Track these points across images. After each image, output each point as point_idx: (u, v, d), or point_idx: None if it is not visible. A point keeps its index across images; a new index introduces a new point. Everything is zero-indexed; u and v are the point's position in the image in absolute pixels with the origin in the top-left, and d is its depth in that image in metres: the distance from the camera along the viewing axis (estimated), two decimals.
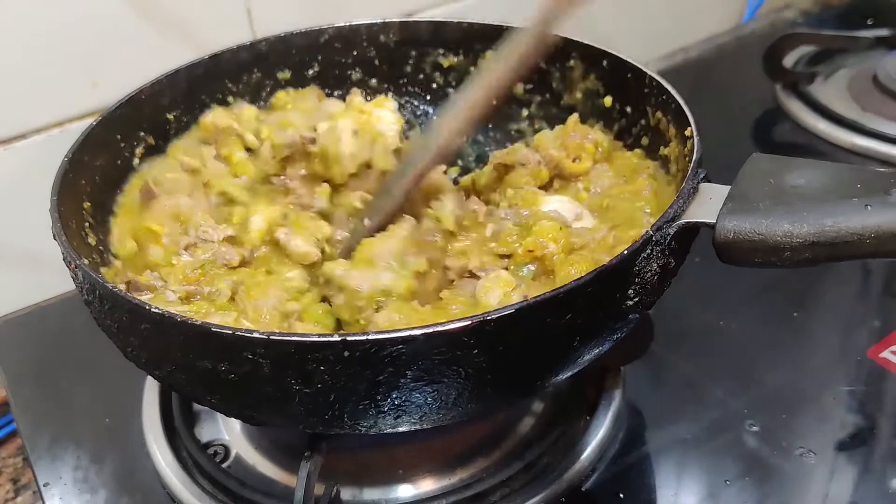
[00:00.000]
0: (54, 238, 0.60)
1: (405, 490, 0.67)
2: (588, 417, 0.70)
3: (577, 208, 0.70)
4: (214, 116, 0.81)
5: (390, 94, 0.90)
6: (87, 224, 0.69)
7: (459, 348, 0.50)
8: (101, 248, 0.70)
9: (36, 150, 0.88)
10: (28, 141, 0.87)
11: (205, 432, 0.74)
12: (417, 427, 0.56)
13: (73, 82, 0.87)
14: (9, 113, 0.85)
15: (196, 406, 0.76)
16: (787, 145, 1.11)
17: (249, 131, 0.80)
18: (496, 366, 0.52)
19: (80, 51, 0.86)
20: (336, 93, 0.89)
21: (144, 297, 0.63)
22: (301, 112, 0.83)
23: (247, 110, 0.82)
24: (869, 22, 1.32)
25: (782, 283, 0.86)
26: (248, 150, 0.80)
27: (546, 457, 0.68)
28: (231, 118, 0.81)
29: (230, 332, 0.49)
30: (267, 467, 0.70)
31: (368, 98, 0.88)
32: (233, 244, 0.70)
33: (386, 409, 0.52)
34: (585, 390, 0.73)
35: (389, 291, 0.62)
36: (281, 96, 0.86)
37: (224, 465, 0.70)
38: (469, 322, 0.49)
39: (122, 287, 0.64)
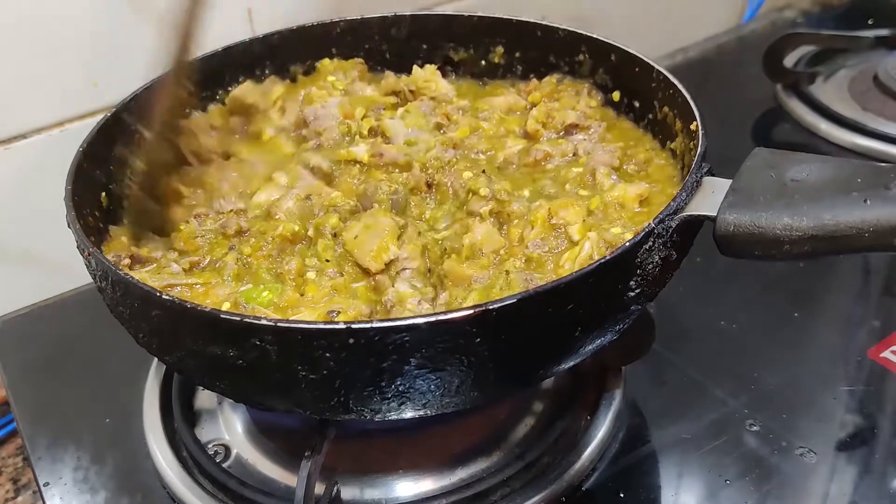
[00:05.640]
0: (69, 226, 0.61)
1: (405, 489, 0.67)
2: (589, 417, 0.70)
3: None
4: (242, 91, 0.82)
5: None
6: (99, 213, 0.69)
7: (462, 337, 0.50)
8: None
9: (36, 150, 0.88)
10: (28, 141, 0.87)
11: (205, 432, 0.74)
12: (421, 414, 0.56)
13: (73, 82, 0.87)
14: (9, 113, 0.85)
15: (196, 406, 0.76)
16: (787, 145, 1.10)
17: (275, 109, 0.80)
18: (499, 355, 0.53)
19: (80, 51, 0.86)
20: None
21: (147, 270, 0.65)
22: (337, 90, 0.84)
23: (276, 87, 0.82)
24: (869, 22, 1.32)
25: (783, 283, 0.86)
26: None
27: (546, 456, 0.68)
28: (257, 95, 0.81)
29: (238, 318, 0.50)
30: (267, 467, 0.70)
31: None
32: (238, 217, 0.71)
33: (390, 395, 0.53)
34: (586, 390, 0.73)
35: None
36: (326, 63, 0.87)
37: (224, 465, 0.70)
38: (472, 311, 0.49)
39: (126, 262, 0.65)
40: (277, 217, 0.69)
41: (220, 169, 0.74)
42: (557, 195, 0.71)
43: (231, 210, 0.70)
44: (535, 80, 0.86)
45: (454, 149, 0.77)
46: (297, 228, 0.67)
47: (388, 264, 0.64)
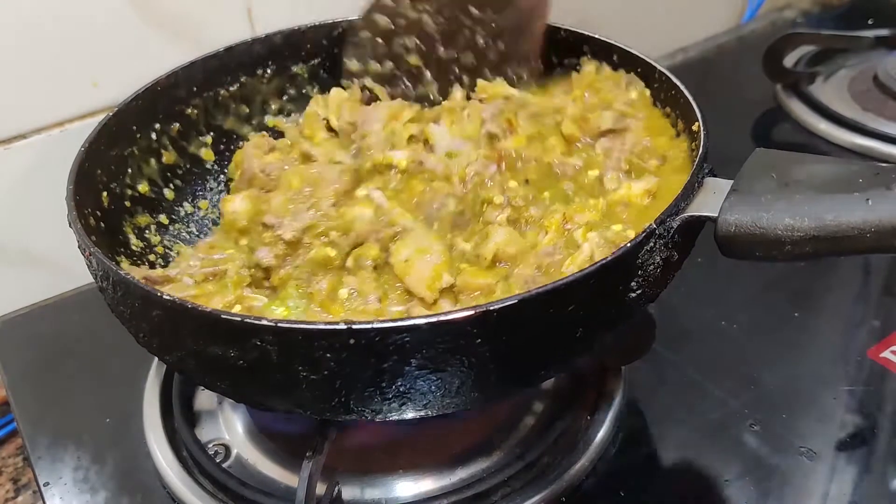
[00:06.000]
0: (70, 226, 0.61)
1: (406, 489, 0.67)
2: (589, 417, 0.70)
3: None
4: (313, 106, 0.82)
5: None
6: (101, 213, 0.69)
7: (463, 338, 0.50)
8: (120, 237, 0.71)
9: (36, 150, 0.88)
10: (28, 141, 0.87)
11: (205, 432, 0.74)
12: (422, 414, 0.56)
13: (73, 82, 0.87)
14: (9, 113, 0.85)
15: (197, 406, 0.76)
16: (787, 145, 1.10)
17: (334, 115, 0.80)
18: (499, 355, 0.53)
19: (80, 51, 0.86)
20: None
21: (165, 289, 0.64)
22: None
23: (335, 93, 0.82)
24: (869, 22, 1.32)
25: (783, 283, 0.86)
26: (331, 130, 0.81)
27: (546, 456, 0.68)
28: (319, 105, 0.82)
29: (239, 318, 0.50)
30: (268, 467, 0.70)
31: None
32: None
33: (391, 396, 0.53)
34: (586, 390, 0.73)
35: None
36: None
37: (225, 465, 0.70)
38: (472, 312, 0.49)
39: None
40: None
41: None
42: (575, 199, 0.70)
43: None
44: (574, 74, 0.82)
45: (498, 163, 0.72)
46: (331, 254, 0.65)
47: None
